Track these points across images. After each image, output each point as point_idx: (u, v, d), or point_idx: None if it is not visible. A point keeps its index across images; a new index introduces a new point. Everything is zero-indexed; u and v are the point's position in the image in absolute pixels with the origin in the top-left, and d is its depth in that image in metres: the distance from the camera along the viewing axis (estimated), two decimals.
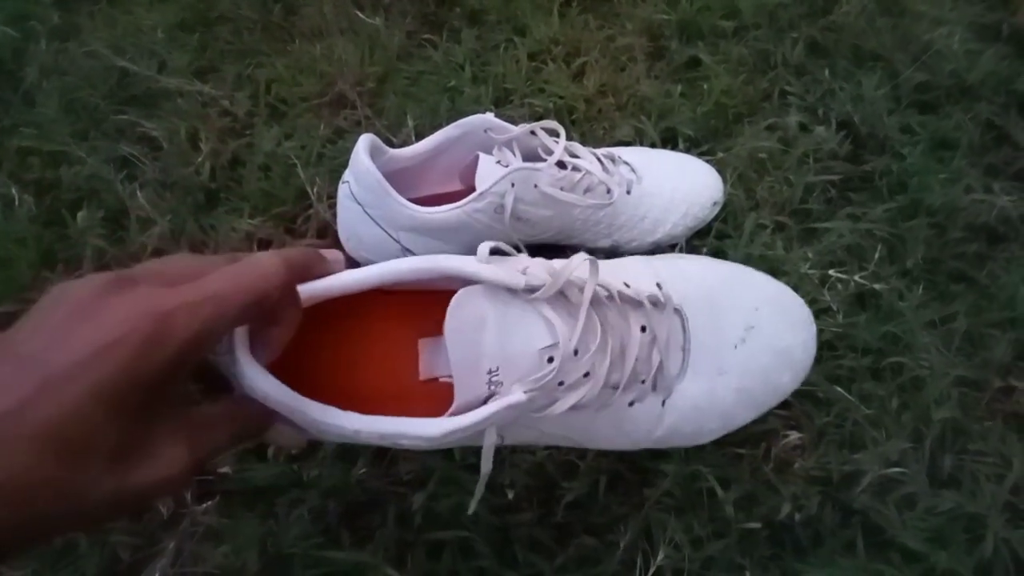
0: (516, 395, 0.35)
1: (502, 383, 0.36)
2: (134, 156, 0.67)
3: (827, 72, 0.73)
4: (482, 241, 0.39)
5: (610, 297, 0.40)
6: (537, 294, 0.37)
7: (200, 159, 0.67)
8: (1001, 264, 0.61)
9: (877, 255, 0.61)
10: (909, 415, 0.53)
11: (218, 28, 0.79)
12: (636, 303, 0.42)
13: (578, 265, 0.37)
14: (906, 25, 0.78)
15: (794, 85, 0.73)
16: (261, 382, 0.34)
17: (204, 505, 0.48)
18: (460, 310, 0.36)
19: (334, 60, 0.74)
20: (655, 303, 0.42)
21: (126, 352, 0.26)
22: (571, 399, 0.38)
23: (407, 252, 0.55)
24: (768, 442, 0.51)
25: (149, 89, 0.73)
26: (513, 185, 0.52)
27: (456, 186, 0.60)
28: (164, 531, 0.47)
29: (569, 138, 0.69)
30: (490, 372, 0.36)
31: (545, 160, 0.54)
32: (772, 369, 0.46)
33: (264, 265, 0.31)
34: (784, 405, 0.53)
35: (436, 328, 0.40)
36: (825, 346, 0.56)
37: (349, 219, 0.55)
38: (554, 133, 0.56)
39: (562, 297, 0.38)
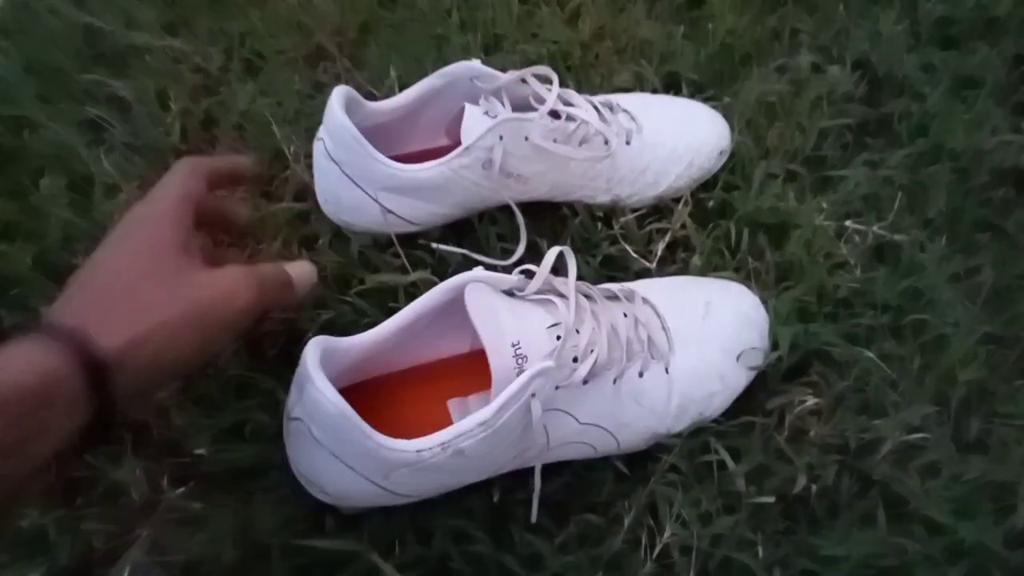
0: (544, 362, 0.39)
1: (526, 357, 0.40)
2: (101, 119, 0.63)
3: (841, 7, 0.68)
4: (470, 200, 0.50)
5: (589, 293, 0.45)
6: (528, 289, 0.43)
7: (170, 119, 0.62)
8: None
9: (896, 204, 0.57)
10: (932, 376, 0.49)
11: None
12: (612, 296, 0.47)
13: (554, 257, 0.42)
14: None
15: (805, 22, 0.68)
16: (330, 396, 0.38)
17: (179, 490, 0.45)
18: (475, 298, 0.41)
19: (312, 9, 0.69)
20: (627, 296, 0.47)
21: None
22: (587, 366, 0.42)
23: (388, 214, 0.51)
24: (782, 409, 0.48)
25: (116, 46, 0.68)
26: (502, 138, 0.48)
27: (442, 141, 0.56)
28: (138, 518, 0.44)
29: (564, 86, 0.64)
30: (514, 345, 0.40)
31: (537, 110, 0.50)
32: (741, 330, 0.49)
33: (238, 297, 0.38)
34: (800, 368, 0.50)
35: (460, 389, 0.47)
36: (842, 304, 0.53)
37: (326, 180, 0.51)
38: (546, 80, 0.52)
39: (553, 290, 0.43)
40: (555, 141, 0.51)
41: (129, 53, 0.68)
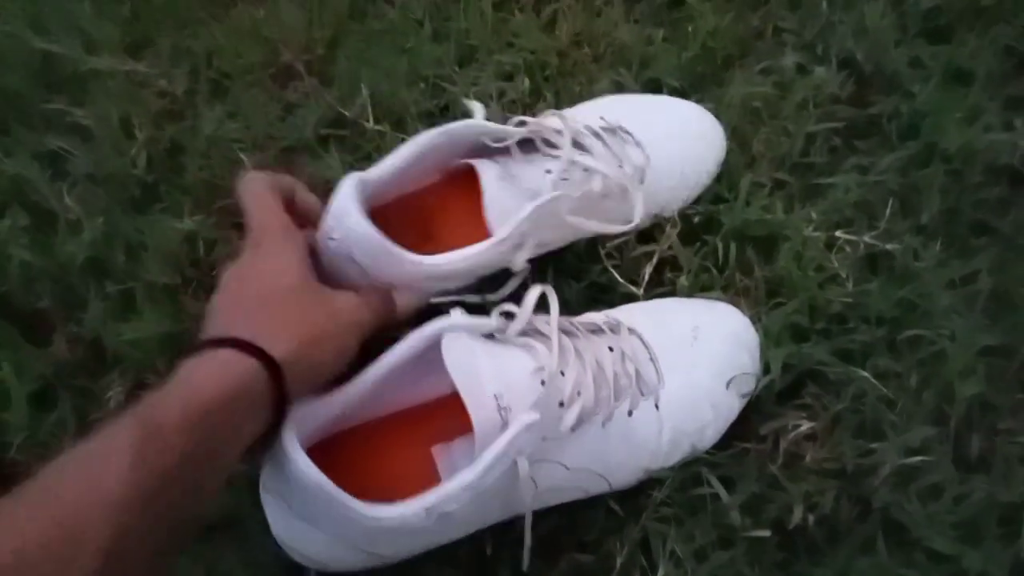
0: (528, 415, 0.38)
1: (510, 409, 0.38)
2: (63, 149, 0.60)
3: (824, 3, 0.66)
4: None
5: (572, 330, 0.44)
6: (508, 331, 0.41)
7: (135, 148, 0.60)
8: None
9: (888, 210, 0.55)
10: (931, 393, 0.48)
11: None
12: (597, 329, 0.45)
13: (535, 297, 0.42)
14: None
15: (788, 20, 0.66)
16: (308, 471, 0.36)
17: None
18: (452, 347, 0.40)
19: (278, 23, 0.67)
20: (612, 328, 0.46)
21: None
22: (574, 413, 0.40)
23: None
24: (776, 434, 0.46)
25: (77, 72, 0.65)
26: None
27: (432, 179, 0.53)
28: None
29: (543, 98, 0.62)
30: (496, 397, 0.38)
31: (540, 151, 0.48)
32: (731, 353, 0.47)
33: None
34: (793, 390, 0.48)
35: (444, 432, 0.45)
36: (835, 319, 0.51)
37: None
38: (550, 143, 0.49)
39: (534, 331, 0.42)
40: (582, 208, 0.48)
41: (90, 78, 0.65)
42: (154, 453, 0.30)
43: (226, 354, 0.35)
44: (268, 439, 0.37)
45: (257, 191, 0.44)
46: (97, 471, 0.29)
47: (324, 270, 0.45)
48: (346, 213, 0.43)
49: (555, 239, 0.51)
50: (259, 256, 0.41)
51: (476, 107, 0.49)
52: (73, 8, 0.70)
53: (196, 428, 0.31)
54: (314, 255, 0.44)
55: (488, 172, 0.47)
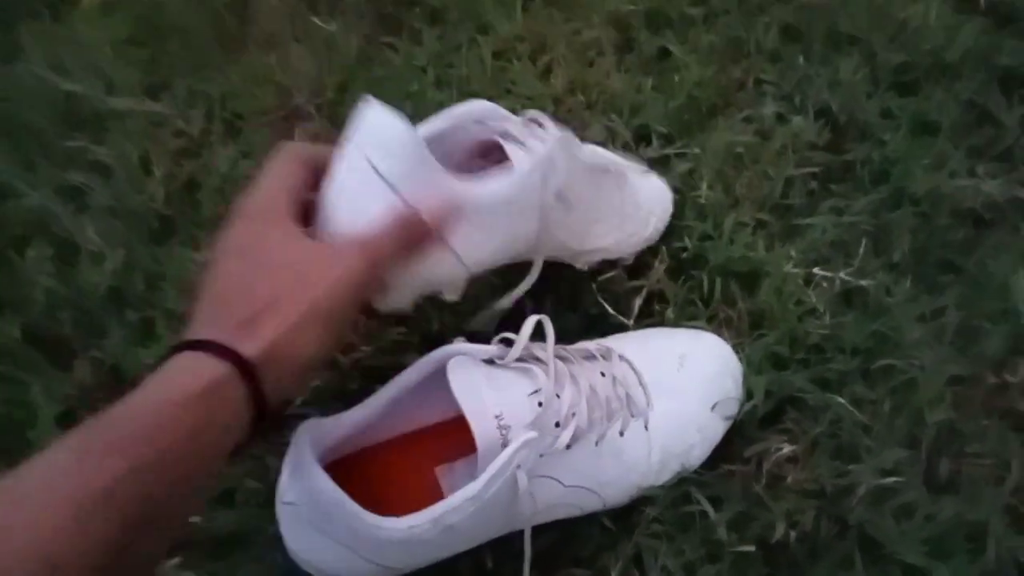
0: (527, 433, 0.41)
1: (509, 427, 0.41)
2: (85, 184, 0.64)
3: (802, 58, 0.71)
4: None
5: (567, 356, 0.47)
6: (508, 357, 0.44)
7: (153, 185, 0.63)
8: (989, 251, 0.59)
9: (862, 249, 0.59)
10: (903, 419, 0.51)
11: (168, 40, 0.75)
12: (590, 355, 0.48)
13: (532, 326, 0.44)
14: (881, 3, 0.75)
15: (769, 73, 0.70)
16: (324, 485, 0.39)
17: (172, 560, 0.45)
18: (457, 371, 0.42)
19: (290, 70, 0.71)
20: (604, 355, 0.49)
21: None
22: (569, 432, 0.43)
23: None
24: (759, 457, 0.50)
25: (97, 111, 0.69)
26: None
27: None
28: None
29: None
30: (497, 417, 0.41)
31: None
32: (715, 379, 0.51)
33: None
34: (775, 416, 0.51)
35: (447, 454, 0.48)
36: (813, 349, 0.54)
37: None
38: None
39: (532, 357, 0.45)
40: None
41: (110, 118, 0.69)
42: (100, 509, 0.27)
43: (194, 360, 0.33)
44: (251, 438, 0.35)
45: (276, 168, 0.40)
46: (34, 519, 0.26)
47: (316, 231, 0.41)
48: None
49: None
50: (232, 244, 0.38)
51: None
52: (94, 52, 0.74)
53: (158, 451, 0.30)
54: (307, 217, 0.40)
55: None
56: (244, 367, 0.33)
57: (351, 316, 0.40)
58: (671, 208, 0.59)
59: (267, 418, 0.35)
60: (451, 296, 0.47)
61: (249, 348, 0.34)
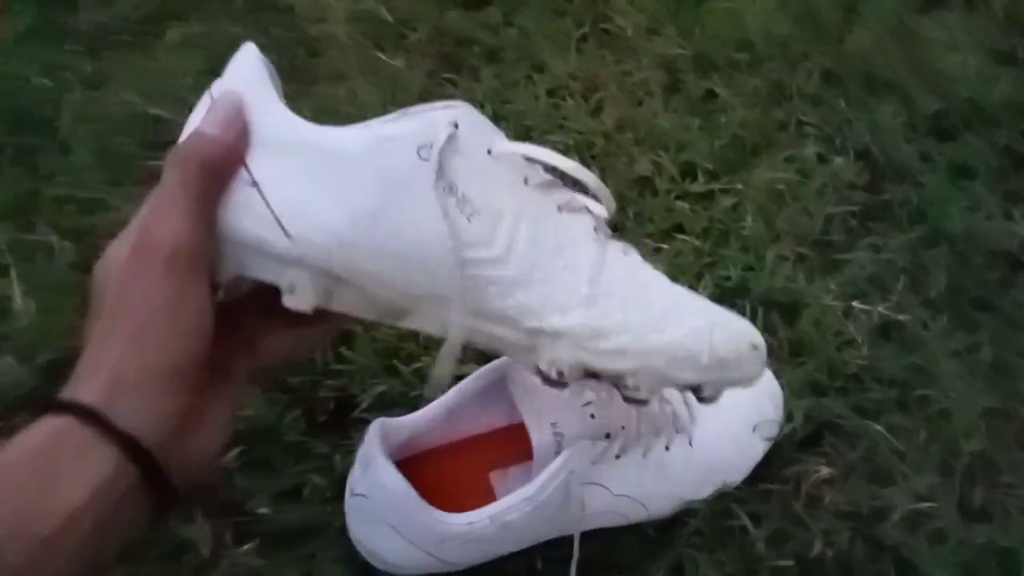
0: (580, 440, 0.44)
1: (564, 435, 0.44)
2: None
3: (842, 102, 0.74)
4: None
5: None
6: None
7: None
8: (1023, 292, 0.62)
9: (900, 285, 0.61)
10: (937, 447, 0.53)
11: None
12: None
13: None
14: (920, 52, 0.78)
15: (810, 115, 0.74)
16: (394, 478, 0.42)
17: (244, 547, 0.49)
18: (517, 380, 0.45)
19: (357, 102, 0.76)
20: None
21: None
22: (618, 443, 0.46)
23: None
24: (798, 477, 0.52)
25: (178, 134, 0.74)
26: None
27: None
28: (205, 572, 0.48)
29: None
30: (552, 424, 0.44)
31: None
32: (756, 400, 0.52)
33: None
34: (813, 439, 0.54)
35: (500, 460, 0.50)
36: (852, 379, 0.57)
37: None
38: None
39: None
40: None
41: None
42: None
43: (92, 452, 0.27)
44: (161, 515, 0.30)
45: (192, 170, 0.31)
46: None
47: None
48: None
49: None
50: (149, 269, 0.29)
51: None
52: (176, 80, 0.79)
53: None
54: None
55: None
56: (83, 412, 0.27)
57: (191, 315, 0.30)
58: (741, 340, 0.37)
59: (178, 499, 0.29)
60: (289, 297, 0.32)
61: (85, 390, 0.28)
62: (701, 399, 0.37)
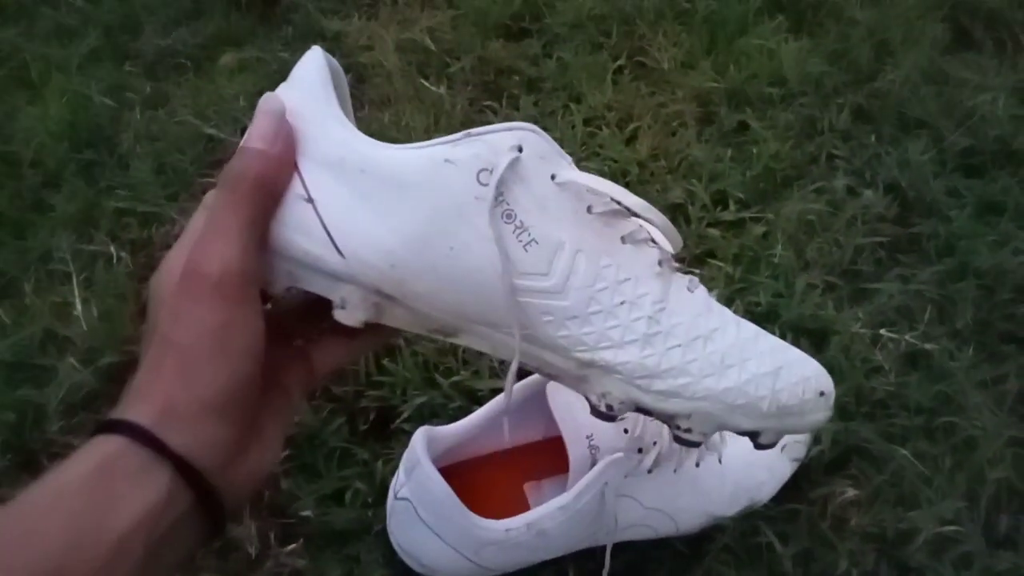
0: (615, 454, 0.46)
1: (599, 447, 0.46)
2: None
3: (873, 137, 0.76)
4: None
5: None
6: None
7: None
8: None
9: (927, 316, 0.63)
10: (963, 475, 0.54)
11: None
12: None
13: None
14: (950, 92, 0.80)
15: (841, 149, 0.76)
16: (438, 483, 0.44)
17: (289, 547, 0.51)
18: (555, 394, 0.47)
19: (402, 127, 0.79)
20: None
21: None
22: (651, 457, 0.48)
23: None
24: (825, 499, 0.53)
25: (231, 152, 0.78)
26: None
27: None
28: (251, 571, 0.50)
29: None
30: (588, 437, 0.46)
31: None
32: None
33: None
34: (840, 462, 0.55)
35: (534, 473, 0.53)
36: (879, 405, 0.58)
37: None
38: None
39: None
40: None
41: None
42: None
43: (155, 485, 0.27)
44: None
45: (243, 189, 0.30)
46: None
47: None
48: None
49: None
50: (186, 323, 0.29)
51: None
52: (231, 102, 0.83)
53: None
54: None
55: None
56: (138, 433, 0.27)
57: (242, 338, 0.30)
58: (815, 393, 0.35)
59: (208, 480, 0.29)
60: (340, 312, 0.32)
61: (137, 411, 0.28)
62: (759, 445, 0.35)
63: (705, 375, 0.33)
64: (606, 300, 0.32)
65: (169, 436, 0.27)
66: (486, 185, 0.31)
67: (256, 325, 0.30)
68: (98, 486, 0.26)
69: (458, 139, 0.32)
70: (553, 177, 0.32)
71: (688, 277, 0.35)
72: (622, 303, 0.32)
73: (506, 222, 0.32)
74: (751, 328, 0.35)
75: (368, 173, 0.31)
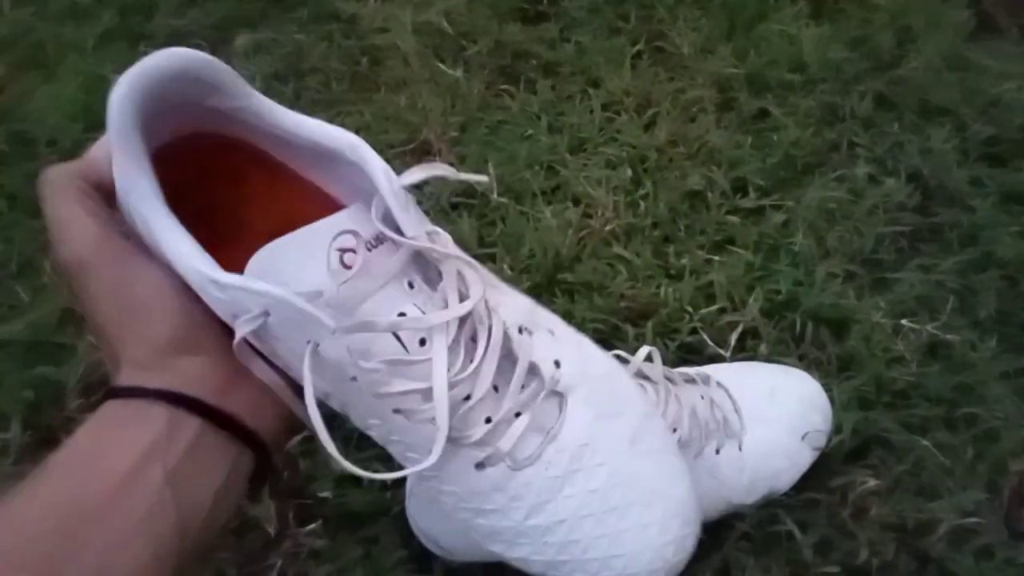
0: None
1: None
2: None
3: (895, 125, 0.75)
4: None
5: (672, 378, 0.50)
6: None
7: None
8: None
9: (949, 306, 0.62)
10: (984, 466, 0.54)
11: (309, 79, 0.85)
12: (691, 379, 0.52)
13: (644, 355, 0.49)
14: (972, 79, 0.79)
15: (862, 137, 0.75)
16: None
17: (307, 528, 0.51)
18: None
19: (418, 110, 0.79)
20: (703, 380, 0.52)
21: None
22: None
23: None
24: (845, 488, 0.53)
25: None
26: None
27: None
28: (269, 551, 0.51)
29: (642, 185, 0.72)
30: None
31: None
32: (805, 412, 0.53)
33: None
34: (861, 452, 0.55)
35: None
36: (899, 395, 0.58)
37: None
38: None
39: (643, 376, 0.48)
40: None
41: None
42: None
43: (110, 408, 0.29)
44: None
45: (64, 193, 0.31)
46: None
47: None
48: None
49: None
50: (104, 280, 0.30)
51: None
52: None
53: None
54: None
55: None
56: (121, 392, 0.30)
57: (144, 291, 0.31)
58: None
59: (207, 402, 0.30)
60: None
61: (114, 383, 0.30)
62: None
63: None
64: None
65: (149, 383, 0.29)
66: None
67: (141, 270, 0.31)
68: (95, 440, 0.29)
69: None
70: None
71: (485, 454, 0.32)
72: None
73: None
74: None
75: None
